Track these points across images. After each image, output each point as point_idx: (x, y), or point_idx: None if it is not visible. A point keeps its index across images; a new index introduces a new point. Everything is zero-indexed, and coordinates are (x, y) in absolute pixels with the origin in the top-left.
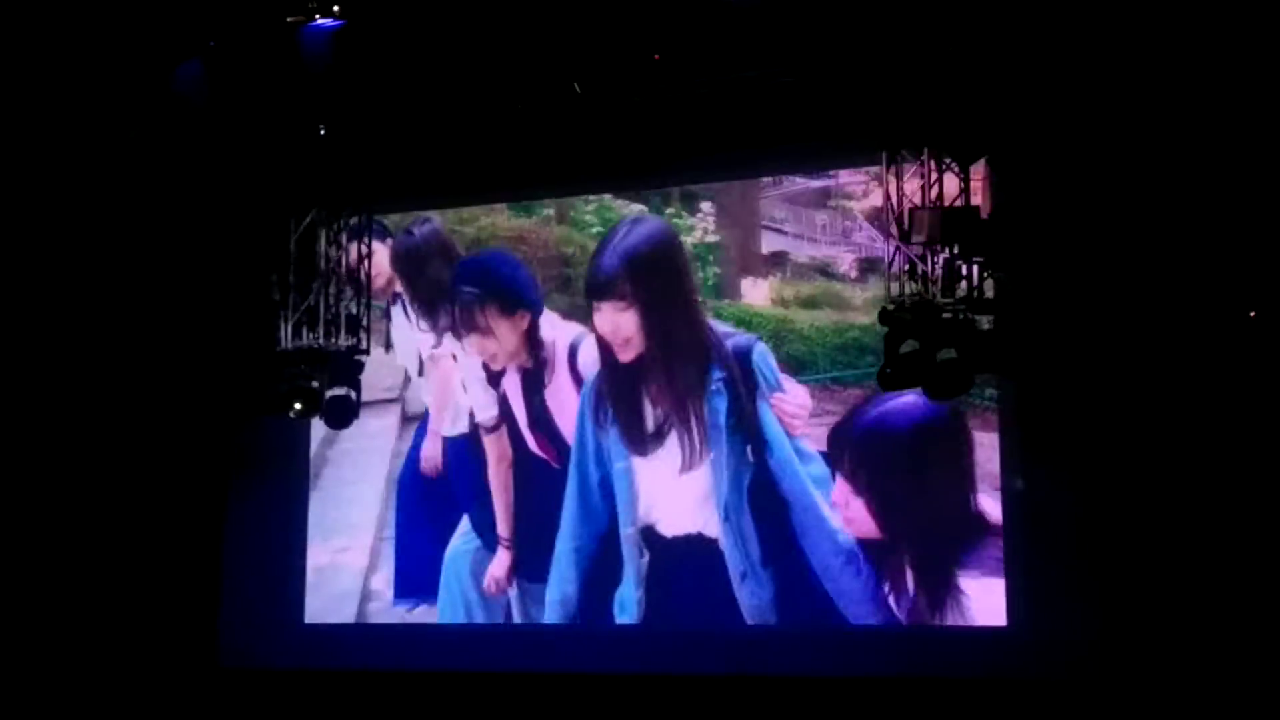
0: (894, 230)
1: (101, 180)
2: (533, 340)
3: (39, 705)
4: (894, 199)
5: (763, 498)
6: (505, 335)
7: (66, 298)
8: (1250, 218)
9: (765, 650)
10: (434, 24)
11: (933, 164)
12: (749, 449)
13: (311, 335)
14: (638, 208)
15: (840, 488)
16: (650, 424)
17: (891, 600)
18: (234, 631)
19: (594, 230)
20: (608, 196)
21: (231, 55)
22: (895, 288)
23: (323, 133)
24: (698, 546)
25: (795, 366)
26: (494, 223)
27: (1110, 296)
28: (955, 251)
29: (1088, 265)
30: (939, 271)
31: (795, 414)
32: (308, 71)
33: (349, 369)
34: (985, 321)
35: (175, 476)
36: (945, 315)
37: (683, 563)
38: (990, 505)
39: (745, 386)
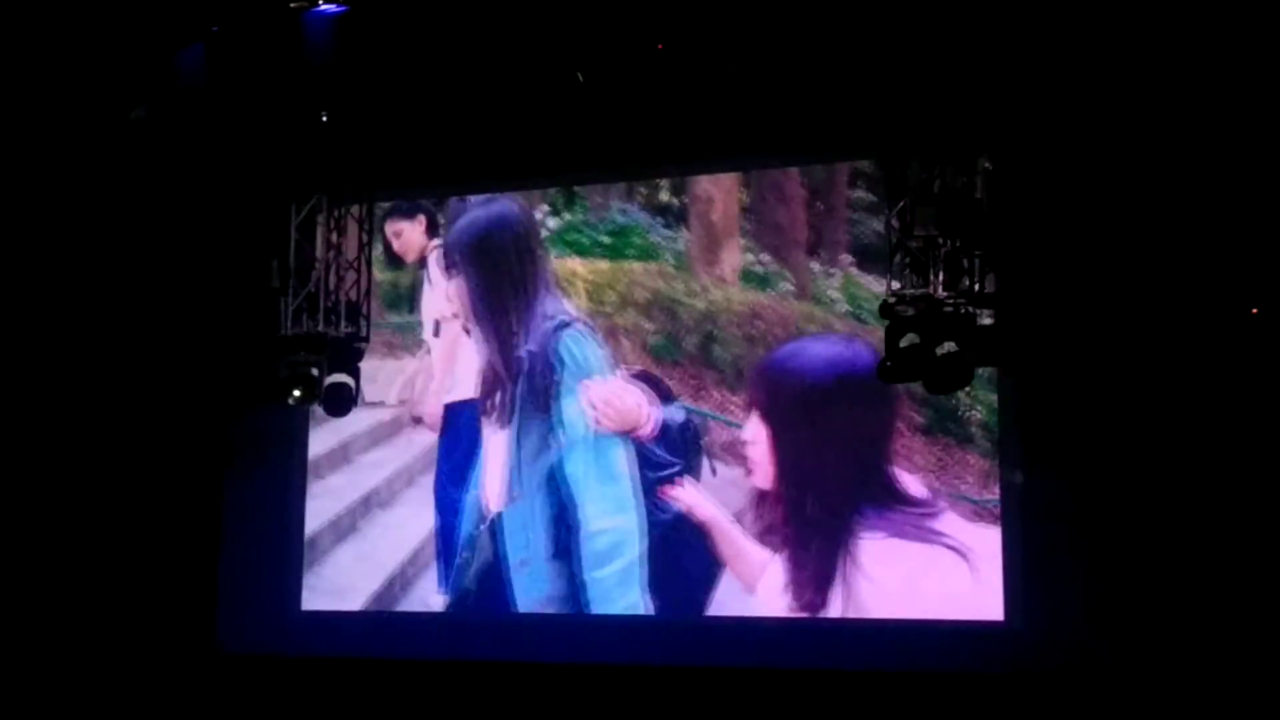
0: (895, 223)
1: (101, 165)
2: None
3: (40, 692)
4: (896, 191)
5: (555, 486)
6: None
7: (65, 283)
8: (1251, 214)
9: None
10: (437, 11)
11: (936, 157)
12: (552, 433)
13: (311, 322)
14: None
15: (752, 424)
16: (489, 400)
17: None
18: (232, 618)
19: (840, 308)
20: (854, 270)
21: (234, 41)
22: (896, 281)
23: (325, 119)
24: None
25: None
26: (726, 296)
27: (1113, 291)
28: (957, 245)
29: (1090, 259)
30: (940, 265)
31: (599, 406)
32: (310, 58)
33: (348, 356)
34: (986, 316)
35: (174, 463)
36: (946, 309)
37: (478, 543)
38: (906, 477)
39: (546, 368)
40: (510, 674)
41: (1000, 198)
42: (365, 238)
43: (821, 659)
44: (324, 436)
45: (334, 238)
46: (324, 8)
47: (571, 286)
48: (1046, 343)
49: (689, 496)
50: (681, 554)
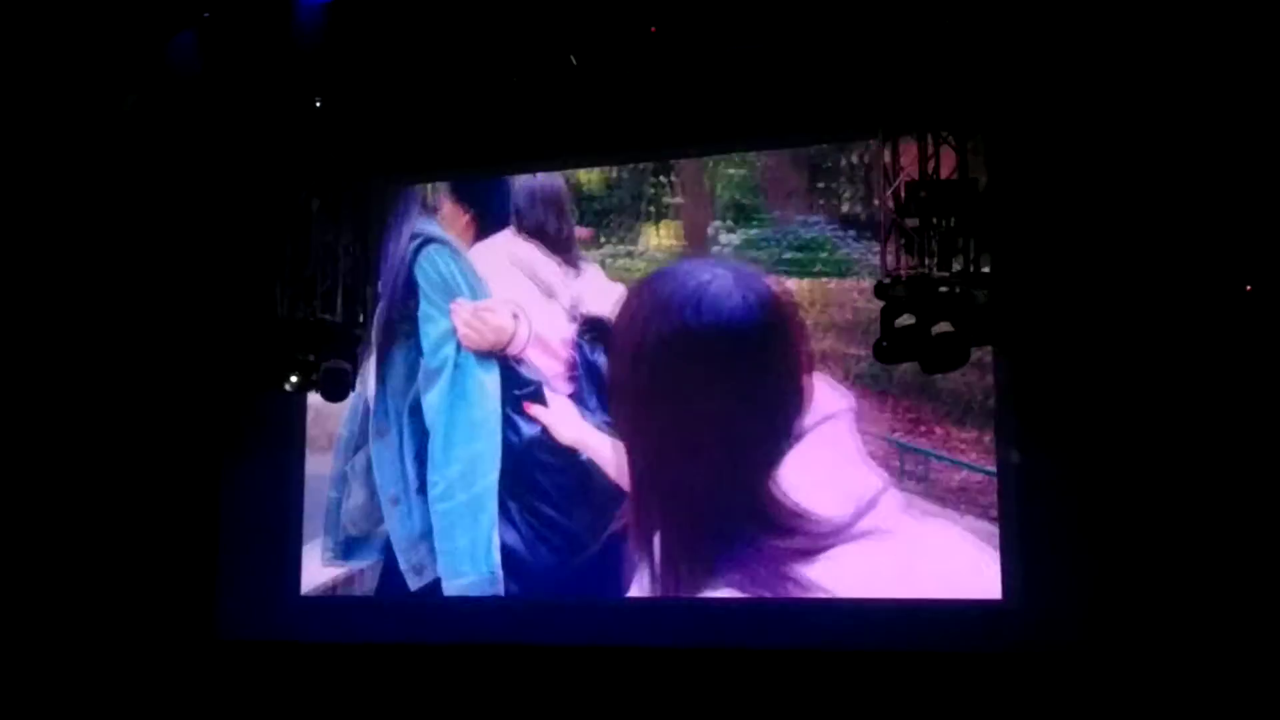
0: (890, 204)
1: (93, 154)
2: None
3: (40, 679)
4: (891, 172)
5: (419, 417)
6: None
7: (60, 273)
8: (1247, 194)
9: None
10: None
11: (930, 138)
12: (416, 361)
13: (308, 308)
14: None
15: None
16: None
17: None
18: (231, 604)
19: None
20: None
21: (226, 27)
22: (891, 261)
23: (318, 105)
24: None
25: None
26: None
27: (1108, 271)
28: (952, 225)
29: (1085, 238)
30: (935, 245)
31: (469, 323)
32: (302, 43)
33: (346, 342)
34: (982, 295)
35: (171, 449)
36: (941, 289)
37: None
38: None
39: (406, 292)
40: (507, 656)
41: (995, 177)
42: (362, 223)
43: (812, 639)
44: None
45: (330, 223)
46: None
47: None
48: (1042, 322)
49: (549, 415)
50: (540, 478)
